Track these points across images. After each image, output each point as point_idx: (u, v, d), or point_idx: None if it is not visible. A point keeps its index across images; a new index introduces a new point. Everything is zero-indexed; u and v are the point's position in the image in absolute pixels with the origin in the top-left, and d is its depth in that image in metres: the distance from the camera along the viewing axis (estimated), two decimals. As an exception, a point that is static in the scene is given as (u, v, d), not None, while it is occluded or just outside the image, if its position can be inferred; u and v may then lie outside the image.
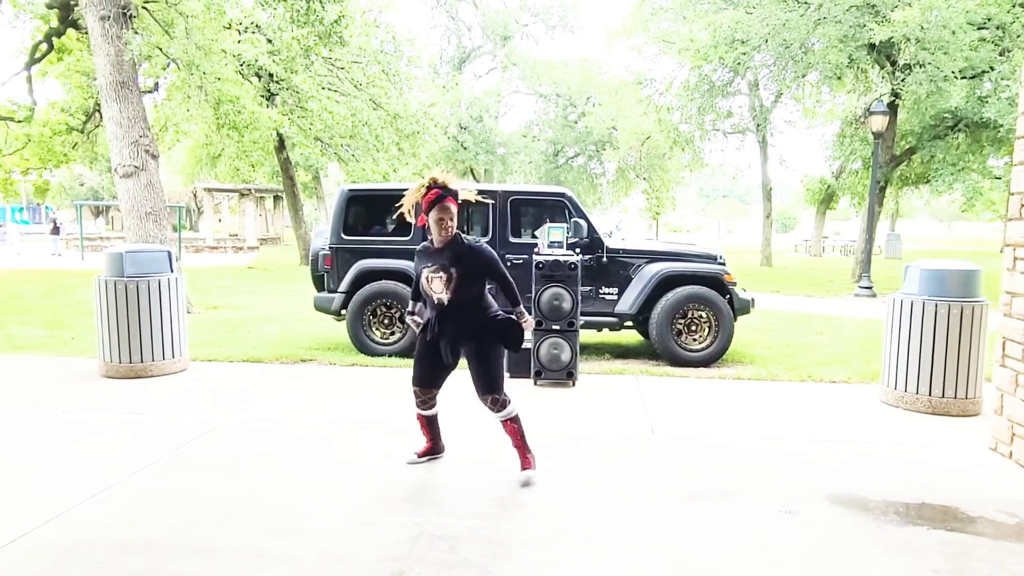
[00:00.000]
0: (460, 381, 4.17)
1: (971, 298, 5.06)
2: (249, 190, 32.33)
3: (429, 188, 3.58)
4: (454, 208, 3.63)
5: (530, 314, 6.02)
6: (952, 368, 5.05)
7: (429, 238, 3.73)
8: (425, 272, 3.62)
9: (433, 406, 3.91)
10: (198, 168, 34.46)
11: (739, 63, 17.09)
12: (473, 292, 3.66)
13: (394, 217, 3.65)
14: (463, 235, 3.71)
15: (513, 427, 3.77)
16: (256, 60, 14.29)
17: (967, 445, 4.44)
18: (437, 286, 3.59)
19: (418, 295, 3.84)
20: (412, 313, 3.91)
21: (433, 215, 3.59)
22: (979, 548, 3.02)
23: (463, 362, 3.77)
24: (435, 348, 3.74)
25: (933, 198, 26.93)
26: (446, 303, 3.61)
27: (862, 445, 4.40)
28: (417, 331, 3.83)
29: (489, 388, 3.70)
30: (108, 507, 3.34)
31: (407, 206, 3.64)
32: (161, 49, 10.77)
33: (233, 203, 36.03)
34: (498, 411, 3.73)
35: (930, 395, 5.11)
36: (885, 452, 4.27)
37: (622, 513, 3.34)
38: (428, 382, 3.84)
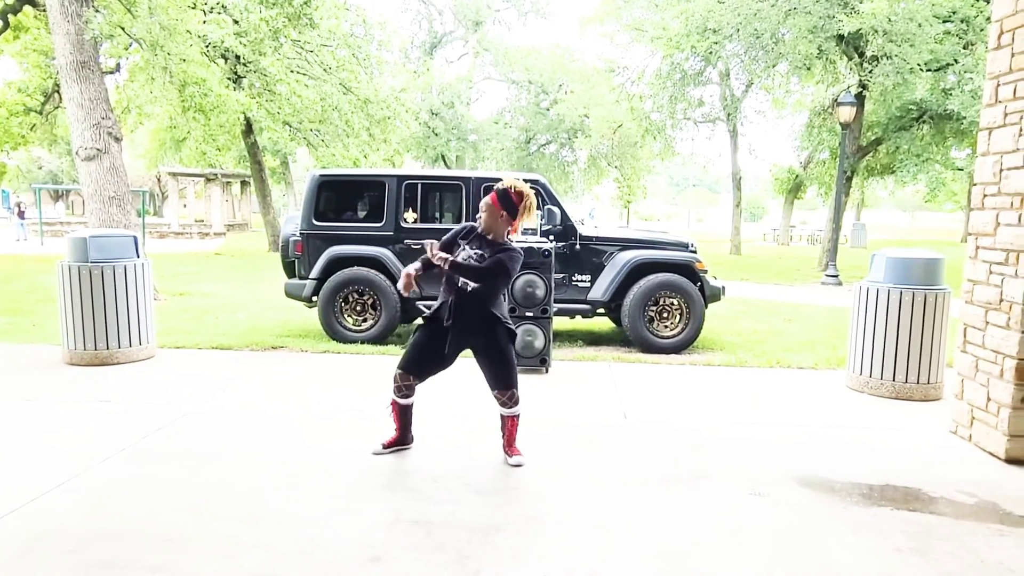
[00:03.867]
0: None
1: (934, 286, 5.19)
2: (215, 175, 31.70)
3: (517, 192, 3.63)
4: (499, 212, 3.63)
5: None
6: (915, 354, 5.18)
7: (477, 223, 3.72)
8: (463, 253, 3.60)
9: (411, 395, 3.84)
10: (162, 152, 33.71)
11: (711, 52, 17.22)
12: (492, 289, 3.65)
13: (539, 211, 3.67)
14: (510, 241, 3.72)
15: (516, 423, 3.81)
16: (222, 41, 13.97)
17: (929, 429, 4.56)
18: None
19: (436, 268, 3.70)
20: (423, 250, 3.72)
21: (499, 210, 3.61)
22: (940, 527, 3.11)
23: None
24: (440, 337, 3.68)
25: (898, 188, 27.50)
26: (468, 289, 3.59)
27: (828, 429, 4.50)
28: (424, 316, 3.76)
29: (508, 383, 3.71)
30: (76, 496, 3.28)
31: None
32: (123, 28, 10.46)
33: (199, 188, 35.39)
34: (513, 406, 3.75)
35: (894, 380, 5.24)
36: (850, 436, 4.38)
37: (597, 497, 3.38)
38: (418, 370, 3.77)
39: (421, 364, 3.76)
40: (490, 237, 3.67)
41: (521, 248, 3.76)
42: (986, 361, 4.12)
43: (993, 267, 4.09)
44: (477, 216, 3.74)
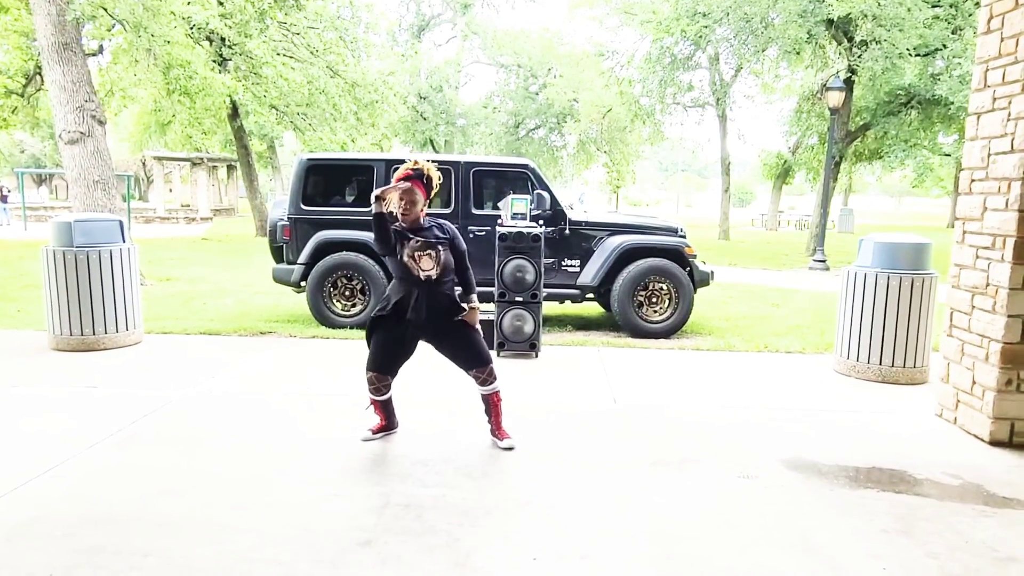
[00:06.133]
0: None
1: (921, 271, 5.23)
2: (201, 159, 31.39)
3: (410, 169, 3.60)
4: (420, 194, 3.60)
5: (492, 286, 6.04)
6: (902, 338, 5.23)
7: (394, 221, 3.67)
8: (407, 250, 3.58)
9: (388, 391, 3.85)
10: (147, 136, 33.27)
11: (700, 36, 17.16)
12: (452, 268, 3.69)
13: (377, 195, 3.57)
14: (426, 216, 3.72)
15: (499, 398, 3.83)
16: (207, 23, 13.73)
17: (915, 412, 4.62)
18: (427, 263, 3.58)
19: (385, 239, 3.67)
20: (383, 309, 3.73)
21: (400, 195, 3.56)
22: (925, 508, 3.16)
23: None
24: (403, 332, 3.70)
25: (885, 174, 27.65)
26: (433, 279, 3.60)
27: (816, 413, 4.55)
28: (373, 315, 3.76)
29: (481, 360, 3.73)
30: (65, 481, 3.26)
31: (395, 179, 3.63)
32: (106, 9, 10.27)
33: (185, 172, 35.01)
34: (493, 382, 3.77)
35: (880, 364, 5.29)
36: (837, 419, 4.42)
37: (586, 481, 3.39)
38: (388, 368, 3.78)
39: (391, 361, 3.78)
40: (408, 224, 3.63)
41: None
42: (972, 345, 4.16)
43: (980, 252, 4.12)
44: (396, 212, 3.60)
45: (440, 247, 3.62)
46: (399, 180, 3.59)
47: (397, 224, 3.65)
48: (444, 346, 3.78)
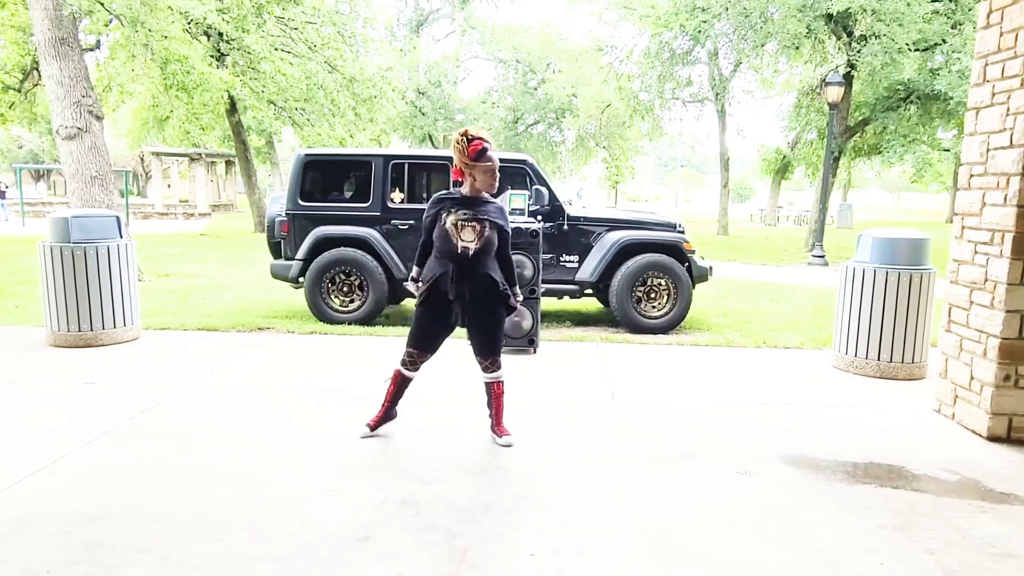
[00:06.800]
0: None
1: (920, 266, 5.22)
2: (199, 154, 31.35)
3: (471, 140, 3.51)
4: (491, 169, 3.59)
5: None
6: (900, 334, 5.23)
7: (455, 190, 3.68)
8: (453, 219, 3.54)
9: (418, 369, 3.83)
10: (145, 131, 33.17)
11: (699, 31, 17.13)
12: (493, 249, 3.63)
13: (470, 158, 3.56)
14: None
15: (502, 389, 3.82)
16: (205, 18, 13.73)
17: (913, 407, 4.62)
18: (468, 235, 3.53)
19: (426, 252, 3.70)
20: (416, 280, 3.73)
21: (484, 164, 3.54)
22: (923, 504, 3.16)
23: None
24: (446, 307, 3.65)
25: (884, 169, 27.61)
26: (470, 254, 3.55)
27: (814, 408, 4.55)
28: (418, 294, 3.70)
29: (493, 350, 3.74)
30: (62, 478, 3.26)
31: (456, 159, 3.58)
32: (103, 4, 10.26)
33: (183, 168, 34.95)
34: (496, 370, 3.76)
35: (879, 360, 5.29)
36: (835, 415, 4.42)
37: (584, 477, 3.39)
38: (430, 345, 3.75)
39: (432, 337, 3.75)
40: (475, 196, 3.62)
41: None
42: (970, 340, 4.16)
43: (978, 247, 4.12)
44: (458, 183, 3.66)
45: (487, 222, 3.55)
46: (475, 152, 3.50)
47: (457, 192, 3.65)
48: (470, 322, 3.72)
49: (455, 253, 3.55)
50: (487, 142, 3.57)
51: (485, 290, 3.64)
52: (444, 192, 3.75)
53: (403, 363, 3.80)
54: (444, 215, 3.59)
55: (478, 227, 3.54)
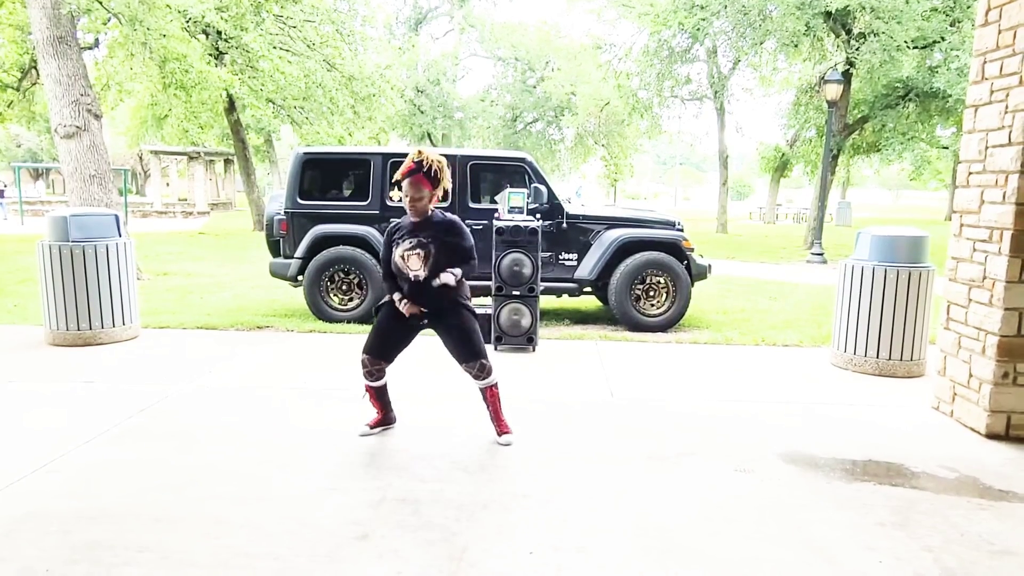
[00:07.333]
0: (411, 349, 4.14)
1: (918, 264, 5.22)
2: (198, 153, 31.30)
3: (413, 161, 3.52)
4: (426, 188, 3.54)
5: (490, 280, 6.03)
6: (899, 331, 5.23)
7: (405, 217, 3.68)
8: (400, 251, 3.57)
9: (382, 377, 3.83)
10: (143, 130, 33.18)
11: (698, 29, 17.12)
12: (445, 267, 3.62)
13: (392, 182, 3.55)
14: (437, 210, 3.68)
15: (496, 393, 3.80)
16: (203, 16, 13.71)
17: (911, 405, 4.62)
18: (415, 263, 3.55)
19: (389, 273, 3.73)
20: (403, 299, 3.66)
21: (404, 188, 3.54)
22: (922, 502, 3.16)
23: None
24: (403, 322, 3.69)
25: (883, 167, 27.59)
26: (422, 279, 3.57)
27: (812, 406, 4.55)
28: (406, 311, 3.66)
29: (474, 354, 3.70)
30: (61, 476, 3.26)
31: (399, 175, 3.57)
32: (101, 2, 10.24)
33: (181, 166, 34.89)
34: (485, 377, 3.73)
35: (877, 357, 5.29)
36: (834, 412, 4.42)
37: (583, 475, 3.40)
38: (383, 354, 3.76)
39: (385, 347, 3.76)
40: (420, 219, 3.61)
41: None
42: (968, 338, 4.16)
43: (977, 245, 4.12)
44: (402, 202, 3.62)
45: (431, 247, 3.55)
46: (404, 175, 3.53)
47: (406, 219, 3.65)
48: (442, 338, 3.77)
49: (409, 280, 3.60)
50: (414, 162, 3.50)
51: (444, 303, 3.67)
52: (395, 222, 3.76)
53: (365, 375, 3.80)
54: (394, 247, 3.62)
55: (422, 253, 3.55)
